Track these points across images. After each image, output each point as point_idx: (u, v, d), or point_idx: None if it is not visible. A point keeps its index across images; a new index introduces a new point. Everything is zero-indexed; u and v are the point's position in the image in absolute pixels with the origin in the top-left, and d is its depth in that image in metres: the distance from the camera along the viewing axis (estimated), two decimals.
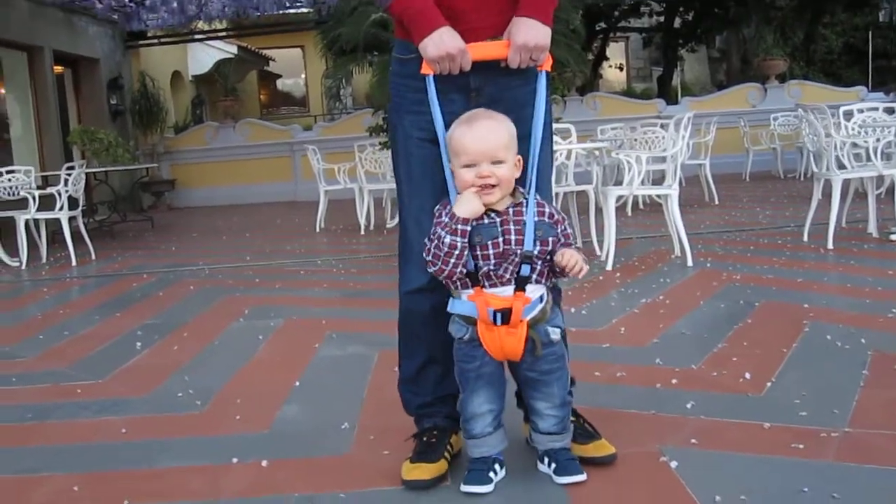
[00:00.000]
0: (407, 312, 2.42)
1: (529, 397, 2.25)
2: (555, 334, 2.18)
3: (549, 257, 2.13)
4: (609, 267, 5.38)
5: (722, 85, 20.95)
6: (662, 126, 8.20)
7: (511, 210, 2.12)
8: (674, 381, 3.02)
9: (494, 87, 2.25)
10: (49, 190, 8.03)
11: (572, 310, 4.23)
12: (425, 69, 2.18)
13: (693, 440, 2.45)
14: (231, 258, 7.38)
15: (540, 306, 2.15)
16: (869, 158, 6.05)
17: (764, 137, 12.93)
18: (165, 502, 2.29)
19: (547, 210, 2.17)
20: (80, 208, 8.37)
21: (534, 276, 2.12)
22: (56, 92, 12.49)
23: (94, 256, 7.98)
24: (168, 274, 6.66)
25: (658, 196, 6.17)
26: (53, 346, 4.29)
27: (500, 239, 2.09)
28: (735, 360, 3.22)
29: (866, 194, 6.23)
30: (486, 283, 2.11)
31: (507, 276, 2.10)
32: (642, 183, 5.81)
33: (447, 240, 2.06)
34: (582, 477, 2.18)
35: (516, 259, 2.09)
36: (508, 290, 2.10)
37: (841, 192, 5.79)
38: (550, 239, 2.13)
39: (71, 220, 8.01)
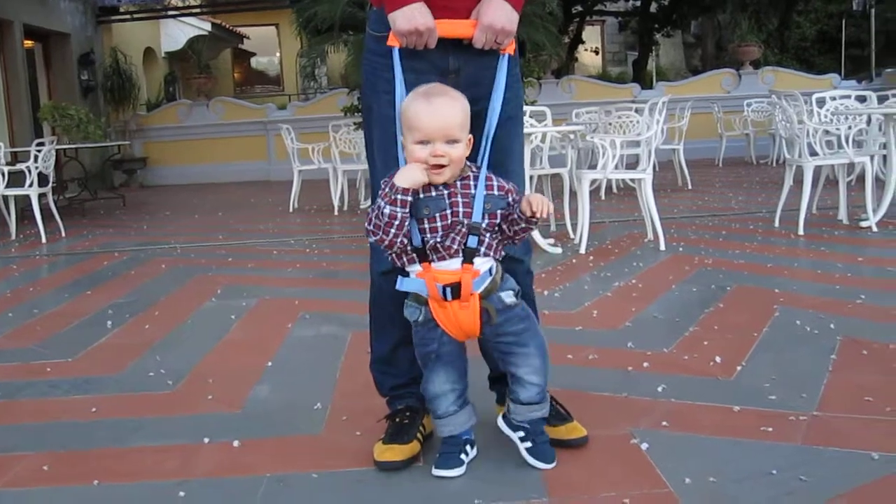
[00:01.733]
0: (380, 292, 2.40)
1: (509, 366, 2.20)
2: (509, 298, 2.14)
3: (496, 229, 2.11)
4: (582, 250, 5.40)
5: (697, 70, 21.06)
6: (637, 110, 8.23)
7: (459, 183, 2.10)
8: (645, 364, 3.04)
9: (474, 68, 2.23)
10: (18, 166, 7.92)
11: (545, 293, 4.24)
12: (391, 41, 2.17)
13: (664, 423, 2.47)
14: (204, 237, 7.33)
15: (490, 278, 2.12)
16: (840, 146, 6.10)
17: (737, 123, 13.01)
18: (136, 482, 2.27)
19: (496, 183, 2.13)
20: (50, 185, 8.28)
21: (482, 249, 2.09)
22: (26, 67, 12.31)
23: (64, 234, 7.89)
24: (139, 252, 6.61)
25: (632, 180, 6.20)
26: (23, 324, 4.25)
27: (448, 211, 2.06)
28: (706, 344, 3.24)
29: (837, 181, 6.28)
30: (434, 257, 2.08)
31: (455, 247, 2.07)
32: (616, 167, 5.82)
33: (387, 210, 2.01)
34: (551, 465, 2.18)
35: (463, 230, 2.07)
36: (455, 262, 2.08)
37: (812, 178, 5.85)
38: (499, 211, 2.10)
39: (41, 196, 7.91)
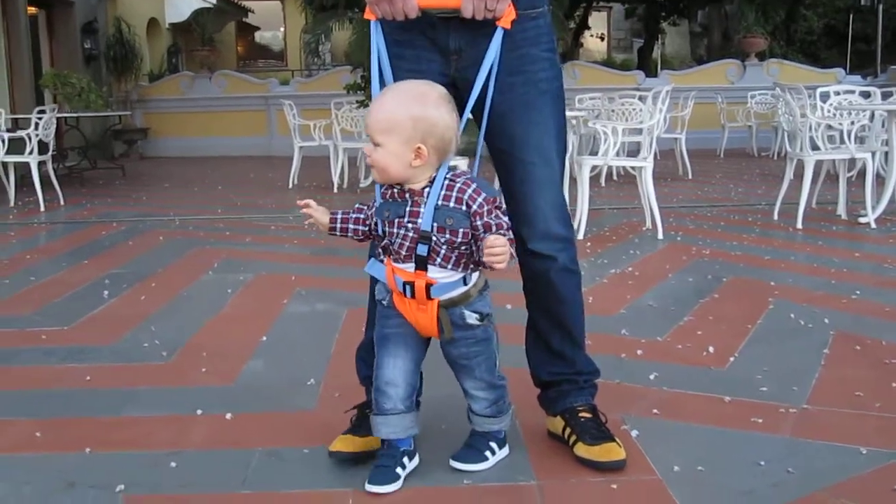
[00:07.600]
0: (372, 281, 2.23)
1: (456, 377, 2.13)
2: (471, 318, 2.01)
3: (463, 248, 1.94)
4: (580, 236, 5.40)
5: (702, 60, 20.98)
6: (640, 98, 8.21)
7: (426, 191, 1.95)
8: (639, 351, 3.05)
9: (476, 50, 2.09)
10: (19, 133, 7.91)
11: None
12: (367, 14, 2.07)
13: (655, 410, 2.48)
14: (202, 210, 7.33)
15: (459, 291, 1.99)
16: (842, 141, 6.10)
17: (740, 115, 12.98)
18: (127, 451, 2.28)
19: (456, 195, 1.93)
20: (50, 153, 8.26)
21: (438, 260, 1.94)
22: (29, 34, 12.26)
23: (62, 202, 7.89)
24: (138, 223, 6.61)
25: (632, 168, 6.19)
26: (19, 292, 4.25)
27: (406, 219, 1.95)
28: (700, 334, 3.25)
29: (838, 176, 6.28)
30: (391, 256, 2.00)
31: (404, 253, 1.96)
32: (617, 154, 5.82)
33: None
34: (475, 466, 2.12)
35: (414, 236, 1.94)
36: (410, 266, 1.96)
37: (813, 172, 5.85)
38: (461, 230, 1.92)
39: (40, 164, 7.90)
